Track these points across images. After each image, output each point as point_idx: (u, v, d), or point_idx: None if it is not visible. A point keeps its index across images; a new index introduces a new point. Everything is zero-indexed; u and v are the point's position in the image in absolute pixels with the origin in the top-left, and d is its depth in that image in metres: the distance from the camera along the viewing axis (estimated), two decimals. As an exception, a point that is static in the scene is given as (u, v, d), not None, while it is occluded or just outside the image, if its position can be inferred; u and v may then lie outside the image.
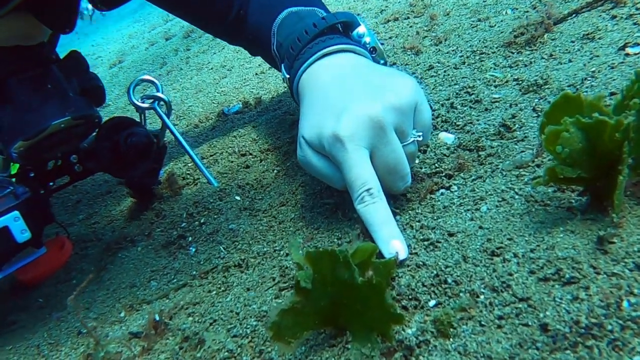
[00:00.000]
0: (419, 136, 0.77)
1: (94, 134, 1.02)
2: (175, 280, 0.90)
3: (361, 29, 0.90)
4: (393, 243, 0.69)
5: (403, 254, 0.68)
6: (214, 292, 0.82)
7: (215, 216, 1.02)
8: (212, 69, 2.15)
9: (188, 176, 1.26)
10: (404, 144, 0.75)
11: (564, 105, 0.63)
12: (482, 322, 0.56)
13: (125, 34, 4.36)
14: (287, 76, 0.90)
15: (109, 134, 1.02)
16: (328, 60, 0.84)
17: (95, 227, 1.26)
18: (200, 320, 0.77)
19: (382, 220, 0.71)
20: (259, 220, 0.94)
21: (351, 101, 0.74)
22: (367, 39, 0.91)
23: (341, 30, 0.90)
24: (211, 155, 1.31)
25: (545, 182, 0.62)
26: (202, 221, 1.03)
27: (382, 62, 0.93)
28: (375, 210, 0.71)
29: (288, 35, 0.90)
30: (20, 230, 0.87)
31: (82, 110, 0.87)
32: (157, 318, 0.78)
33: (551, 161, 0.63)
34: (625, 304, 0.50)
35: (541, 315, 0.54)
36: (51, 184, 1.06)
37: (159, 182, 1.21)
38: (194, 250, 0.95)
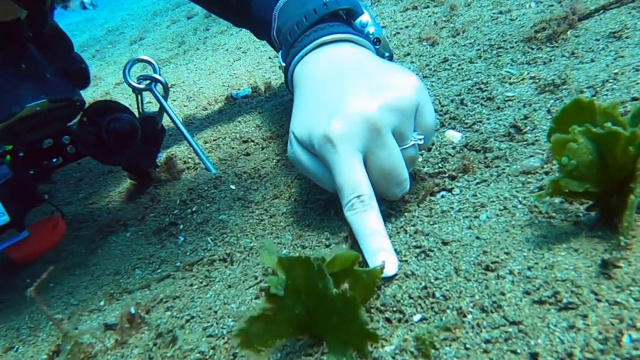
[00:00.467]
0: (420, 140, 0.70)
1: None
2: (159, 270, 0.86)
3: (364, 18, 0.84)
4: (381, 256, 0.63)
5: (392, 270, 0.62)
6: (196, 287, 0.78)
7: (208, 205, 0.98)
8: (227, 50, 2.11)
9: (189, 160, 1.23)
10: (403, 147, 0.69)
11: (575, 111, 0.57)
12: (467, 345, 0.51)
13: (150, 11, 4.35)
14: (283, 64, 0.84)
15: (92, 118, 0.98)
16: (326, 50, 0.78)
17: (92, 208, 1.24)
18: (177, 316, 0.73)
19: (371, 230, 0.65)
20: (250, 212, 0.90)
21: (346, 98, 0.68)
22: (370, 29, 0.84)
23: (344, 17, 0.84)
24: (214, 140, 1.27)
25: (548, 195, 0.56)
26: (194, 209, 0.99)
27: (387, 54, 0.87)
28: (365, 219, 0.66)
29: (287, 20, 0.84)
30: None
31: (60, 93, 0.82)
32: (133, 311, 0.74)
33: (558, 172, 0.57)
34: (625, 339, 0.45)
35: (532, 342, 0.49)
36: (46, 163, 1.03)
37: (156, 165, 1.18)
38: (182, 239, 0.92)
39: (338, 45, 0.78)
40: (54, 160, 1.02)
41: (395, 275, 0.63)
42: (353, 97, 0.67)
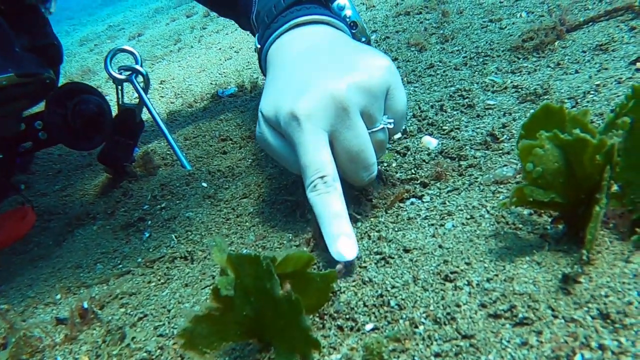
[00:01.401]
0: (390, 123, 0.68)
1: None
2: (120, 265, 0.84)
3: (342, 1, 0.83)
4: (341, 242, 0.60)
5: (351, 254, 0.59)
6: (153, 284, 0.75)
7: (178, 201, 0.96)
8: (220, 49, 2.09)
9: (167, 156, 1.20)
10: (371, 130, 0.66)
11: (544, 117, 0.55)
12: (416, 358, 0.48)
13: (152, 8, 4.34)
14: (258, 46, 0.82)
15: (61, 100, 0.94)
16: (301, 30, 0.76)
17: (65, 200, 1.21)
18: (131, 313, 0.70)
19: (333, 213, 0.62)
20: (218, 210, 0.87)
21: (316, 77, 0.66)
22: (347, 12, 0.83)
23: (322, 0, 0.82)
24: (194, 138, 1.25)
25: (512, 204, 0.54)
26: (163, 205, 0.96)
27: (363, 39, 0.85)
28: (328, 201, 0.63)
29: (266, 3, 0.82)
30: None
31: (28, 68, 0.79)
32: (86, 306, 0.72)
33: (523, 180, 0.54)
34: (578, 358, 0.42)
35: (483, 358, 0.46)
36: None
37: (133, 160, 1.15)
38: (147, 235, 0.89)
39: (313, 26, 0.76)
40: (25, 145, 0.99)
41: (353, 264, 0.61)
42: (322, 76, 0.65)
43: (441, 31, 1.28)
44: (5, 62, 0.76)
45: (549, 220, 0.60)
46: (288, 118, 0.64)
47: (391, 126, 0.68)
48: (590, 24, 1.02)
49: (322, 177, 0.63)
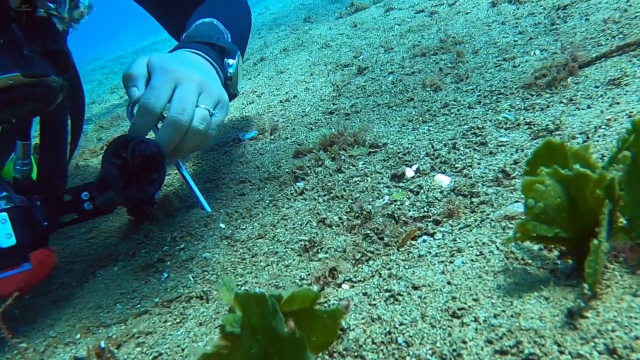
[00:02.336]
0: (214, 113, 1.00)
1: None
2: (139, 305, 0.85)
3: (231, 61, 1.15)
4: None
5: None
6: (169, 323, 0.76)
7: (196, 242, 0.97)
8: (243, 93, 2.14)
9: (187, 198, 1.23)
10: (198, 105, 0.96)
11: (546, 153, 0.55)
12: (422, 395, 0.48)
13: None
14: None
15: (117, 152, 0.93)
16: (194, 53, 1.08)
17: (90, 243, 1.24)
18: (146, 352, 0.71)
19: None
20: (235, 251, 0.88)
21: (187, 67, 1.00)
22: (230, 70, 1.15)
23: (222, 53, 1.16)
24: (214, 180, 1.27)
25: (516, 239, 0.54)
26: (182, 246, 0.98)
27: (231, 91, 1.16)
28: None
29: (194, 35, 1.16)
30: (5, 235, 0.83)
31: (36, 70, 0.82)
32: (103, 345, 0.73)
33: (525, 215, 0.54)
34: (583, 394, 0.42)
35: (488, 395, 0.45)
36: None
37: (154, 203, 1.18)
38: (165, 275, 0.90)
39: (201, 55, 1.08)
40: (67, 217, 0.99)
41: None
42: (190, 69, 1.00)
43: (456, 71, 1.29)
44: (12, 62, 0.79)
45: (558, 255, 0.59)
46: (161, 63, 0.98)
47: (212, 113, 0.99)
48: (603, 59, 1.02)
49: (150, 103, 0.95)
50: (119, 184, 0.93)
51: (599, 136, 0.78)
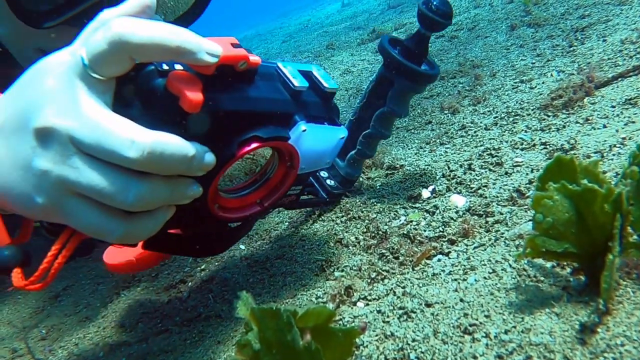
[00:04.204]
0: None
1: None
2: (160, 324, 0.87)
3: None
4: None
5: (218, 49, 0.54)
6: (189, 342, 0.78)
7: (217, 263, 1.00)
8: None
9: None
10: None
11: (557, 169, 0.56)
12: (432, 410, 0.49)
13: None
14: None
15: None
16: None
17: (115, 265, 1.27)
18: (166, 370, 0.73)
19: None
20: (253, 271, 0.90)
21: None
22: None
23: None
24: (236, 202, 1.30)
25: (526, 255, 0.54)
26: (202, 267, 1.00)
27: None
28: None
29: None
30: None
31: None
32: (124, 363, 0.75)
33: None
34: (591, 408, 0.42)
35: (498, 409, 0.46)
36: None
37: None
38: (186, 295, 0.92)
39: None
40: None
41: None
42: None
43: (474, 93, 1.31)
44: None
45: (570, 272, 0.59)
46: None
47: None
48: (620, 79, 1.02)
49: None
50: None
51: (613, 154, 0.79)
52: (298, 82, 0.67)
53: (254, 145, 0.63)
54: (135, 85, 0.54)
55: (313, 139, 0.70)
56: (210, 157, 0.57)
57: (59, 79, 0.52)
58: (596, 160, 0.55)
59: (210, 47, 0.53)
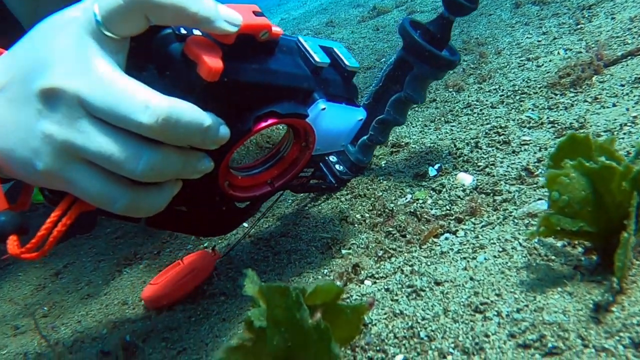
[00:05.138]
0: None
1: None
2: (163, 302, 0.86)
3: None
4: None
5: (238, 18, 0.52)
6: (193, 319, 0.77)
7: (219, 241, 0.99)
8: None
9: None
10: None
11: (570, 147, 0.55)
12: (444, 388, 0.48)
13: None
14: None
15: None
16: None
17: (116, 242, 1.26)
18: (171, 347, 0.73)
19: None
20: (257, 249, 0.89)
21: None
22: None
23: None
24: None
25: (539, 233, 0.54)
26: (206, 245, 0.99)
27: None
28: None
29: None
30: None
31: None
32: (128, 339, 0.75)
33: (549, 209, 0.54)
34: (608, 387, 0.41)
35: (511, 388, 0.45)
36: None
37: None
38: (190, 273, 0.92)
39: None
40: None
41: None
42: None
43: (479, 71, 1.29)
44: None
45: (582, 251, 0.59)
46: None
47: None
48: (629, 57, 1.01)
49: None
50: None
51: (624, 133, 0.78)
52: (319, 57, 0.66)
53: (270, 121, 0.62)
54: (150, 48, 0.52)
55: (331, 119, 0.69)
56: (225, 130, 0.55)
57: (68, 36, 0.49)
58: (612, 137, 0.54)
59: (230, 16, 0.51)
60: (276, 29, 0.58)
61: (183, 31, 0.52)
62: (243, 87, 0.57)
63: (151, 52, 0.52)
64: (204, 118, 0.52)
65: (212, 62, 0.50)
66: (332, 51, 0.70)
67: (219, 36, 0.52)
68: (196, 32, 0.53)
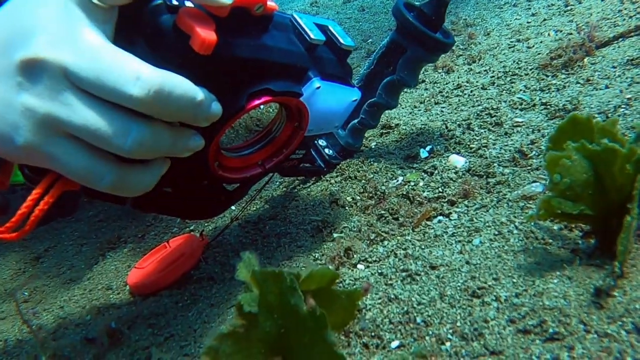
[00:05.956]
0: None
1: None
2: (149, 287, 0.84)
3: None
4: None
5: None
6: (180, 305, 0.75)
7: (206, 224, 0.97)
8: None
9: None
10: None
11: (571, 129, 0.54)
12: (443, 374, 0.47)
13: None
14: None
15: None
16: None
17: (99, 225, 1.23)
18: (158, 333, 0.71)
19: None
20: (245, 232, 0.87)
21: None
22: None
23: None
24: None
25: (539, 216, 0.53)
26: (192, 228, 0.97)
27: None
28: None
29: None
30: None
31: None
32: (114, 325, 0.72)
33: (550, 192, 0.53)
34: (612, 373, 0.41)
35: (512, 374, 0.44)
36: None
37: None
38: (176, 257, 0.90)
39: None
40: None
41: None
42: None
43: (468, 52, 1.27)
44: None
45: (580, 235, 0.58)
46: None
47: None
48: (621, 39, 1.00)
49: None
50: None
51: (619, 115, 0.77)
52: (314, 35, 0.63)
53: (264, 98, 0.59)
54: (139, 20, 0.50)
55: (325, 99, 0.66)
56: (217, 107, 0.53)
57: (52, 4, 0.46)
58: (614, 119, 0.53)
59: None
60: (271, 4, 0.56)
61: (175, 2, 0.50)
62: (236, 63, 0.55)
63: (141, 24, 0.50)
64: (197, 93, 0.49)
65: (206, 35, 0.47)
66: (326, 29, 0.68)
67: (213, 8, 0.50)
68: (188, 3, 0.51)
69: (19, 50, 0.45)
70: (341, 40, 0.67)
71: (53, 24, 0.46)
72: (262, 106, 0.66)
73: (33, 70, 0.45)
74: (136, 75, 0.45)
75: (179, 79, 0.48)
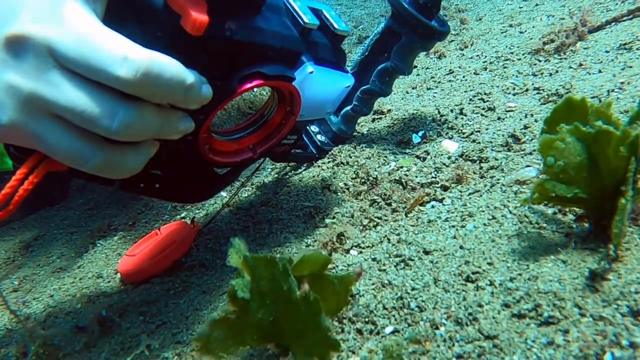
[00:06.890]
0: None
1: None
2: (140, 275, 0.83)
3: None
4: None
5: None
6: (172, 292, 0.75)
7: (197, 211, 0.96)
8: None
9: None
10: None
11: (566, 111, 0.53)
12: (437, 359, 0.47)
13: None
14: None
15: None
16: None
17: (89, 213, 1.22)
18: (149, 321, 0.70)
19: None
20: (237, 218, 0.86)
21: None
22: None
23: None
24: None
25: (533, 200, 0.52)
26: (183, 215, 0.96)
27: None
28: None
29: None
30: None
31: None
32: (104, 313, 0.72)
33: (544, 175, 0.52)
34: (607, 357, 0.40)
35: (507, 359, 0.44)
36: None
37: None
38: (167, 244, 0.89)
39: None
40: None
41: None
42: None
43: (460, 38, 1.27)
44: None
45: (574, 218, 0.58)
46: None
47: None
48: (613, 23, 0.99)
49: None
50: None
51: (612, 99, 0.76)
52: (308, 18, 0.62)
53: (255, 82, 0.58)
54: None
55: (318, 84, 0.65)
56: (207, 89, 0.52)
57: None
58: (609, 101, 0.52)
59: None
60: None
61: None
62: (228, 45, 0.54)
63: (132, 3, 0.48)
64: (187, 75, 0.48)
65: (198, 15, 0.46)
66: (321, 13, 0.67)
67: None
68: None
69: (3, 27, 0.44)
70: (335, 25, 0.66)
71: (40, 1, 0.44)
72: (255, 89, 0.65)
73: (18, 47, 0.44)
74: (123, 55, 0.44)
75: (169, 61, 0.47)
